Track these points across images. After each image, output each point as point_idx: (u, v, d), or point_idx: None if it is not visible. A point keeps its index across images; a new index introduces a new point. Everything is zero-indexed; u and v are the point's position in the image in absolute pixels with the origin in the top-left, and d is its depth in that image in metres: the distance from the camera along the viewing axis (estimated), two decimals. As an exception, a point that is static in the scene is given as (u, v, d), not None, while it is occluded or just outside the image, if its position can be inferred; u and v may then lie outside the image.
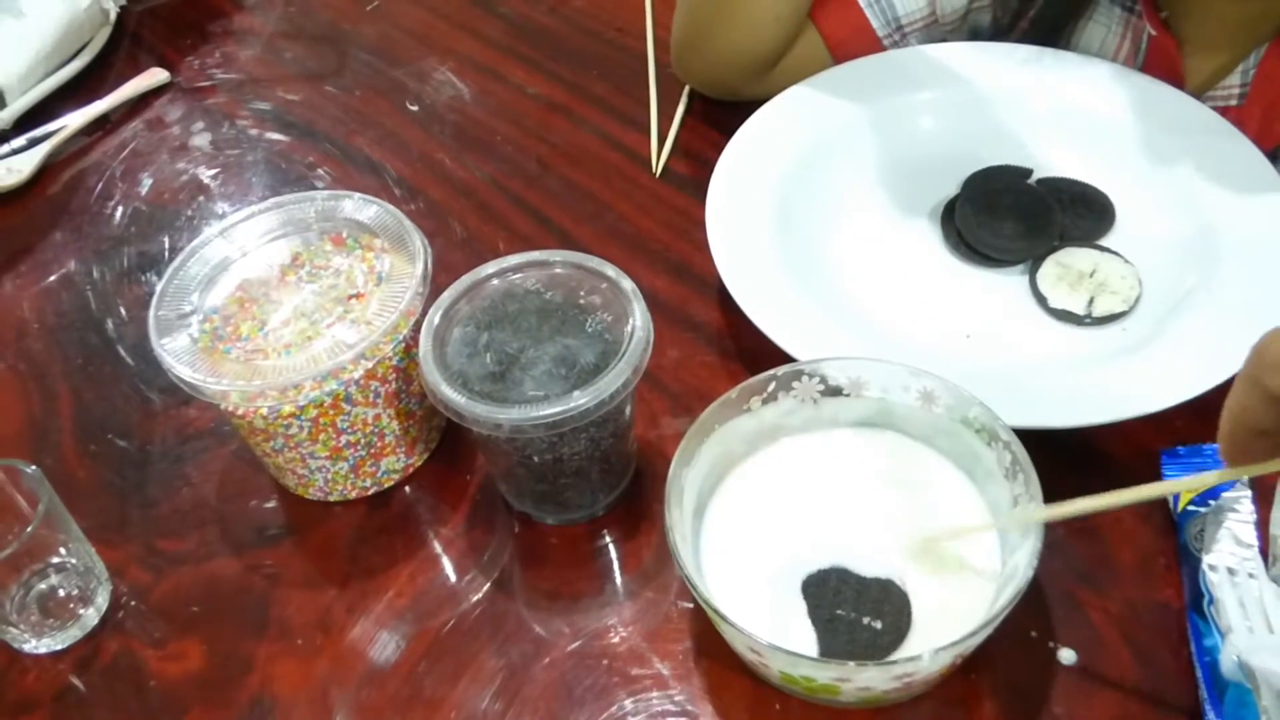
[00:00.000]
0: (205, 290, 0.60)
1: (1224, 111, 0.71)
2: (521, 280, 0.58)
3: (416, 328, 0.57)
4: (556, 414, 0.52)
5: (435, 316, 0.56)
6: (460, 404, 0.53)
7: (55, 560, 0.59)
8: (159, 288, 0.59)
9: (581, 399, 0.52)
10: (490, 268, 0.58)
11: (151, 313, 0.58)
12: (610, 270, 0.57)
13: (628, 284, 0.56)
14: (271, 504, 0.63)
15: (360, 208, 0.62)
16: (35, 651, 0.58)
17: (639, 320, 0.55)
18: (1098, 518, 0.58)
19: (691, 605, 0.57)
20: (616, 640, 0.56)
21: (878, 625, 0.49)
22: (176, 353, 0.56)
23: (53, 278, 0.78)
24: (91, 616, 0.59)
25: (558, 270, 0.58)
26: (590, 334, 0.56)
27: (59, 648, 0.58)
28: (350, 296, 0.59)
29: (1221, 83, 0.73)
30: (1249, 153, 0.67)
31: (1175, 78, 0.73)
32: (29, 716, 0.56)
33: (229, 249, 0.61)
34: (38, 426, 0.69)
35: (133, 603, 0.60)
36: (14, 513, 0.58)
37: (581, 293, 0.57)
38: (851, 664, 0.45)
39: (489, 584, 0.59)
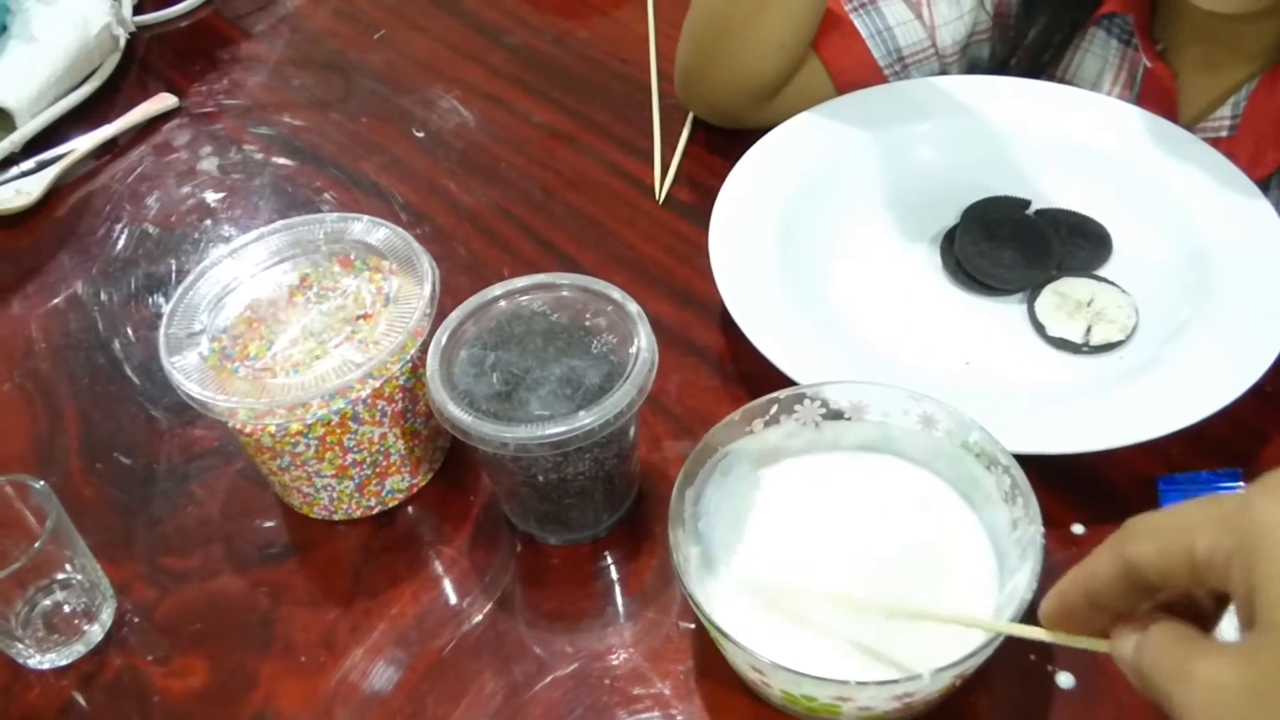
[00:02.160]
0: (215, 310, 0.60)
1: (1215, 142, 0.72)
2: (528, 302, 0.59)
3: (423, 348, 0.58)
4: (562, 433, 0.52)
5: (443, 337, 0.57)
6: (467, 423, 0.53)
7: (61, 576, 0.59)
8: (169, 307, 0.60)
9: (587, 419, 0.53)
10: (497, 289, 0.59)
11: (162, 331, 0.59)
12: (616, 293, 0.58)
13: (633, 306, 0.57)
14: (276, 523, 0.64)
15: (369, 230, 0.63)
16: (39, 667, 0.58)
17: (644, 342, 0.56)
18: (1096, 544, 0.58)
19: (693, 626, 0.57)
20: (618, 660, 0.56)
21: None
22: (186, 370, 0.57)
23: (60, 298, 0.79)
24: (96, 632, 0.59)
25: (564, 293, 0.59)
26: (596, 355, 0.56)
27: (63, 663, 0.58)
28: (358, 317, 0.60)
29: (1213, 114, 0.74)
30: (1241, 184, 0.69)
31: (1170, 108, 0.75)
32: (32, 732, 0.56)
33: (238, 269, 0.62)
34: (44, 444, 0.69)
35: (137, 619, 0.60)
36: (21, 528, 0.58)
37: (587, 315, 0.58)
38: (853, 682, 0.46)
39: (491, 604, 0.59)
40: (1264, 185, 0.69)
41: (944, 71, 0.81)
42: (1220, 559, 0.35)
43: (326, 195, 0.84)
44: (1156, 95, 0.76)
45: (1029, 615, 0.47)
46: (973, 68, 0.83)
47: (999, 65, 0.82)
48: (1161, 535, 0.37)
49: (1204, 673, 0.35)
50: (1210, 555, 0.35)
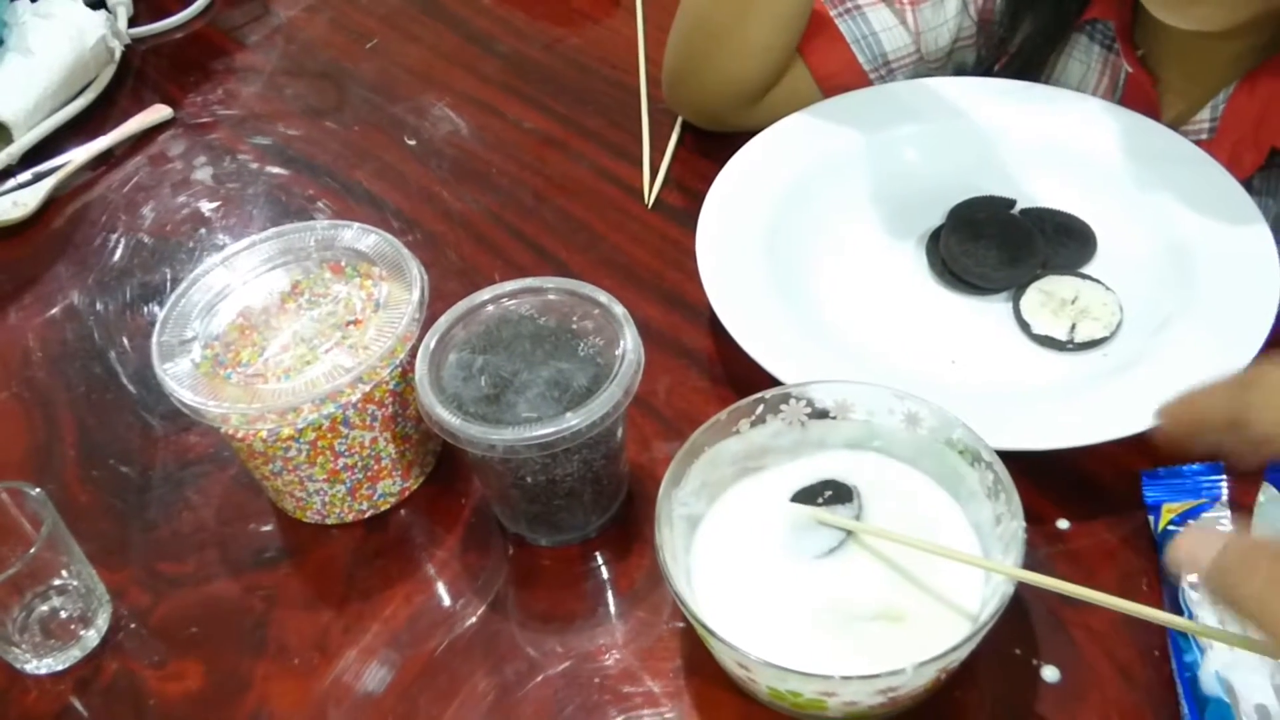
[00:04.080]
0: (207, 317, 0.61)
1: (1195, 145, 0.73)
2: (516, 306, 0.60)
3: (413, 353, 0.59)
4: (549, 435, 0.53)
5: (431, 341, 0.58)
6: (455, 425, 0.54)
7: (57, 582, 0.60)
8: (161, 314, 0.61)
9: (574, 420, 0.53)
10: (485, 294, 0.60)
11: (154, 338, 0.59)
12: (602, 296, 0.59)
13: (619, 309, 0.58)
14: (270, 527, 0.64)
15: (359, 237, 0.64)
16: (36, 672, 0.59)
17: (630, 344, 0.56)
18: (1081, 539, 0.59)
19: (682, 625, 0.58)
20: (608, 660, 0.57)
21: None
22: (178, 377, 0.58)
23: (56, 308, 0.80)
24: (92, 637, 0.60)
25: (551, 296, 0.60)
26: (583, 358, 0.57)
27: (60, 668, 0.59)
28: (348, 323, 0.60)
29: (1193, 118, 0.75)
30: (1224, 181, 0.69)
31: (1151, 112, 0.75)
32: (29, 736, 0.57)
33: (230, 277, 0.63)
34: (41, 452, 0.70)
35: (132, 624, 0.61)
36: (17, 534, 0.59)
37: (574, 318, 0.59)
38: (837, 676, 0.46)
39: (483, 605, 0.60)
40: (1244, 186, 0.70)
41: (929, 75, 0.82)
42: None
43: (320, 203, 0.85)
44: (1138, 100, 0.76)
45: (1012, 608, 0.48)
46: (958, 73, 0.84)
47: (984, 71, 0.83)
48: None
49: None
50: None
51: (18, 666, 0.59)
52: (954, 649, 0.46)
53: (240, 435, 0.58)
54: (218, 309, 0.62)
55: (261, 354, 0.59)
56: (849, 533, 0.55)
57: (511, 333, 0.58)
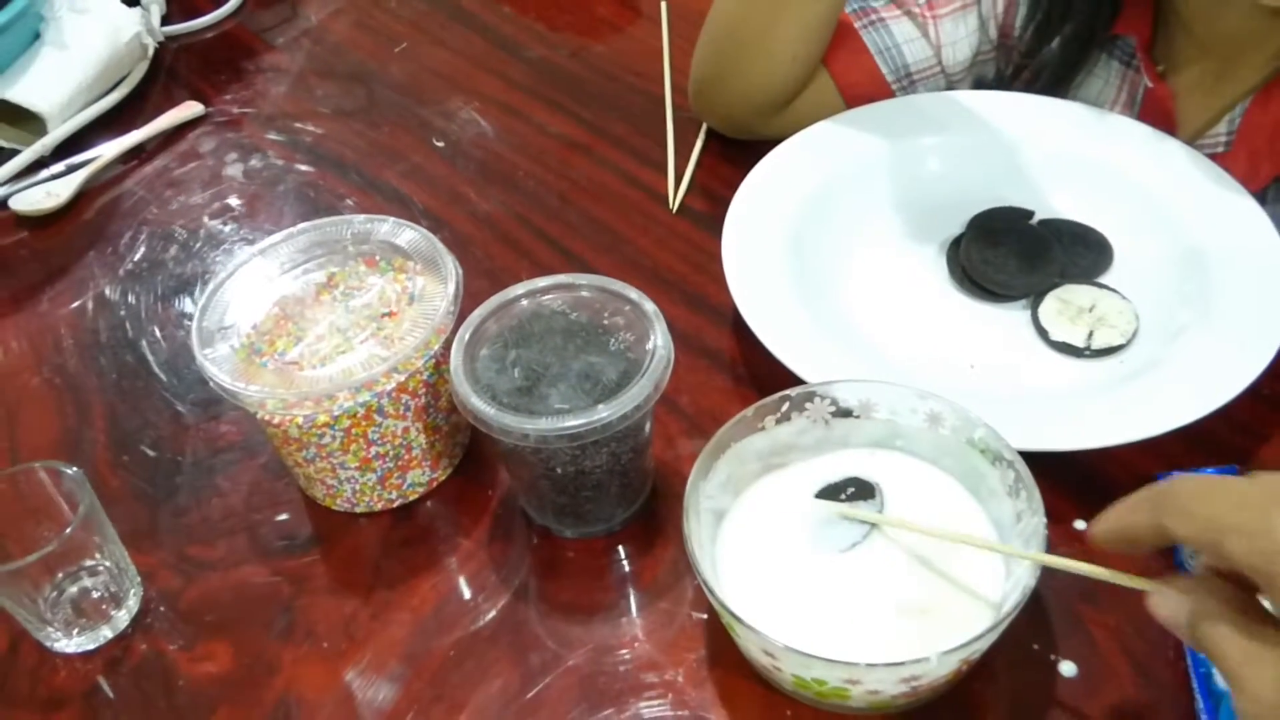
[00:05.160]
0: (244, 306, 0.62)
1: (1211, 158, 0.74)
2: (548, 301, 0.61)
3: (446, 345, 0.60)
4: (580, 426, 0.54)
5: (466, 334, 0.59)
6: (489, 414, 0.55)
7: (89, 563, 0.61)
8: (201, 301, 0.62)
9: (604, 412, 0.54)
10: (519, 289, 0.61)
11: (194, 323, 0.61)
12: (633, 293, 0.60)
13: (649, 306, 0.59)
14: (299, 515, 0.66)
15: (395, 231, 0.65)
16: (66, 650, 0.60)
17: (660, 340, 0.58)
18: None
19: (705, 616, 0.59)
20: (631, 650, 0.58)
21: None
22: (218, 361, 0.59)
23: (88, 297, 0.81)
24: (122, 618, 0.61)
25: (583, 293, 0.61)
26: (613, 352, 0.58)
27: (90, 647, 0.60)
28: (383, 315, 0.62)
29: (1209, 131, 0.76)
30: (1238, 193, 0.71)
31: (1169, 127, 0.77)
32: (59, 713, 0.58)
33: (268, 268, 0.64)
34: (72, 436, 0.71)
35: (162, 607, 0.62)
36: (53, 513, 0.60)
37: (605, 314, 0.60)
38: (862, 664, 0.47)
39: (508, 595, 0.61)
40: (1260, 198, 0.71)
41: (951, 88, 0.83)
42: (1249, 570, 0.39)
43: (348, 201, 0.86)
44: (1156, 114, 0.78)
45: (1031, 604, 0.49)
46: (978, 86, 0.85)
47: (1004, 85, 0.84)
48: (1195, 522, 0.41)
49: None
50: (1241, 561, 0.39)
51: (49, 645, 0.60)
52: (978, 638, 0.47)
53: (276, 421, 0.59)
54: (256, 299, 0.63)
55: (297, 343, 0.60)
56: (872, 528, 0.56)
57: (544, 327, 0.60)
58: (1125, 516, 0.44)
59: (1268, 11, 0.67)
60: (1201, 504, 0.41)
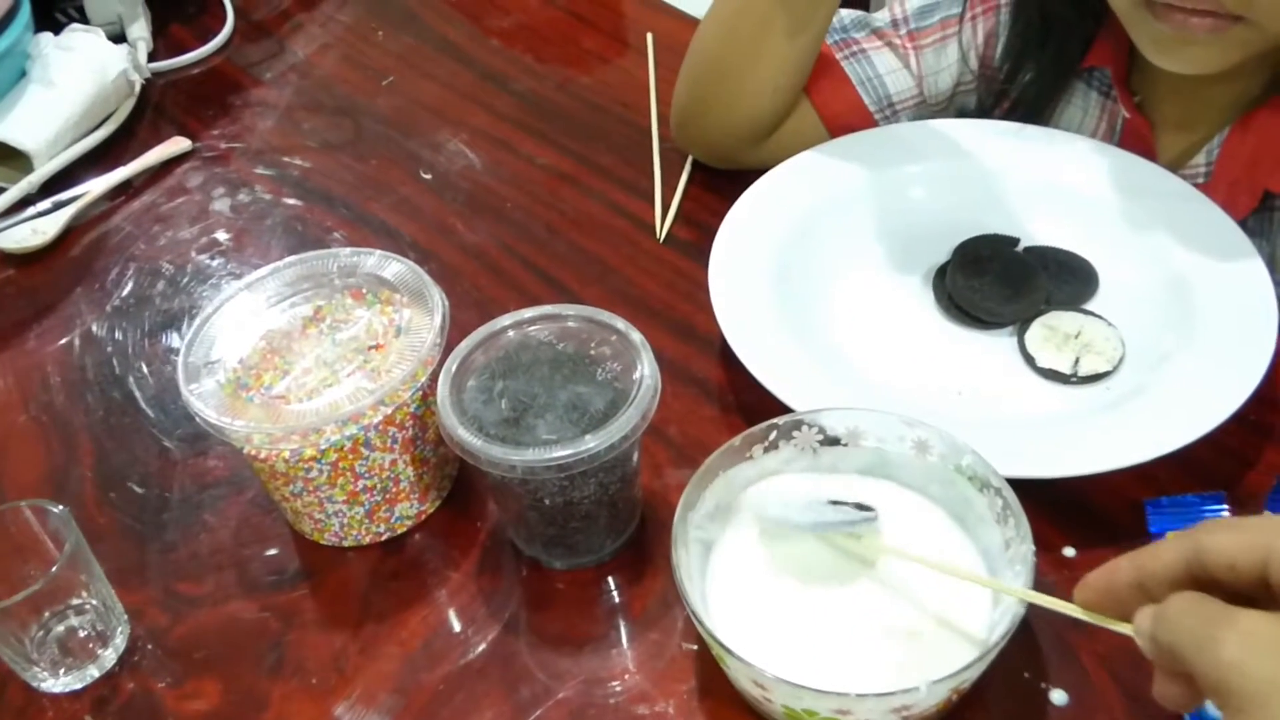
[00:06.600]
0: (231, 341, 0.62)
1: (1191, 188, 0.75)
2: (535, 332, 0.61)
3: (434, 377, 0.60)
4: (568, 456, 0.54)
5: (453, 365, 0.59)
6: (476, 446, 0.55)
7: (76, 601, 0.60)
8: (187, 336, 0.62)
9: (592, 443, 0.54)
10: (505, 320, 0.61)
11: (180, 359, 0.60)
12: (620, 323, 0.60)
13: (636, 336, 0.59)
14: (287, 550, 0.65)
15: (381, 264, 0.65)
16: (53, 690, 0.59)
17: (647, 370, 0.58)
18: (1088, 566, 0.60)
19: (696, 647, 0.58)
20: (622, 681, 0.58)
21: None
22: (204, 396, 0.59)
23: (74, 334, 0.81)
24: (110, 657, 0.60)
25: (570, 323, 0.61)
26: (600, 383, 0.58)
27: (78, 686, 0.60)
28: (370, 347, 0.62)
29: (1188, 162, 0.77)
30: (1221, 221, 0.71)
31: (1149, 157, 0.77)
32: (46, 754, 0.58)
33: (254, 302, 0.64)
34: (59, 474, 0.71)
35: (150, 645, 0.61)
36: (39, 552, 0.60)
37: (592, 344, 0.60)
38: (852, 694, 0.47)
39: (498, 628, 0.60)
40: (1239, 228, 0.72)
41: (933, 118, 0.84)
42: None
43: (336, 234, 0.86)
44: (1135, 144, 0.78)
45: (1021, 632, 0.49)
46: (960, 116, 0.86)
47: (984, 114, 0.85)
48: (1245, 530, 0.41)
49: (1243, 623, 0.38)
50: None
51: (35, 685, 0.59)
52: (967, 667, 0.47)
53: (262, 455, 0.59)
54: (241, 333, 0.63)
55: (284, 377, 0.60)
56: (862, 558, 0.56)
57: (531, 358, 0.60)
58: (1139, 554, 0.43)
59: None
60: (1245, 519, 0.42)
